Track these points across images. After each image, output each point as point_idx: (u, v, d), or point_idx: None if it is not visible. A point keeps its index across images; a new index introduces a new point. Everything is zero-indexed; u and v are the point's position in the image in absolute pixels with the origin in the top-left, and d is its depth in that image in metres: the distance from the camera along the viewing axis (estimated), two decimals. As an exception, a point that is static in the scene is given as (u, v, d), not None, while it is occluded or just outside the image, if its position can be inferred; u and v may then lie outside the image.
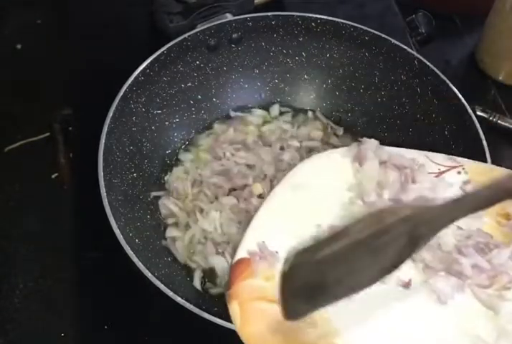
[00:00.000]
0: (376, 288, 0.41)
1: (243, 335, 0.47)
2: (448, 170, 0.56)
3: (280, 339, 0.46)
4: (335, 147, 0.72)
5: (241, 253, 0.52)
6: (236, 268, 0.51)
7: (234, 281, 0.50)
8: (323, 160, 0.60)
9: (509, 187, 0.38)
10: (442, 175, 0.56)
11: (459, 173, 0.56)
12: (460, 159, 0.58)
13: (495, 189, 0.39)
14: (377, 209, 0.41)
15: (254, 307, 0.48)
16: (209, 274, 0.63)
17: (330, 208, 0.55)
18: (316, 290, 0.40)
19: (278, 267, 0.50)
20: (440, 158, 0.58)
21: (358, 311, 0.47)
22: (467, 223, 0.51)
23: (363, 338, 0.46)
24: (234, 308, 0.48)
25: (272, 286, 0.48)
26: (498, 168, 0.57)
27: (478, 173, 0.55)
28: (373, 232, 0.39)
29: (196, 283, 0.62)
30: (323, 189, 0.57)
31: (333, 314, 0.47)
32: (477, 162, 0.57)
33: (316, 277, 0.40)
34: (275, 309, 0.43)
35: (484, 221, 0.52)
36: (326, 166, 0.59)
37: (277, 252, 0.52)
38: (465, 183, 0.55)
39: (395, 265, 0.39)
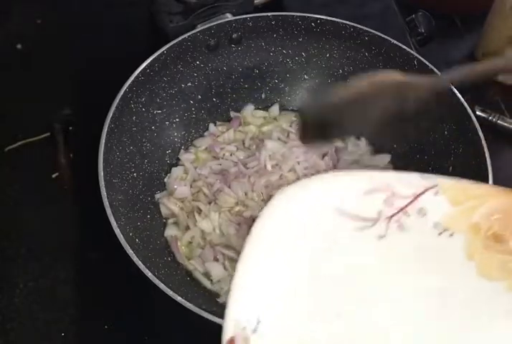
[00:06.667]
0: None
1: None
2: (423, 192, 0.49)
3: None
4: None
5: (229, 330, 0.43)
6: None
7: None
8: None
9: (482, 70, 0.47)
10: (417, 199, 0.49)
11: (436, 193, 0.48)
12: (435, 177, 0.49)
13: (471, 70, 0.48)
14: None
15: None
16: (207, 276, 0.63)
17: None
18: (330, 125, 0.50)
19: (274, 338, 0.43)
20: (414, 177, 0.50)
21: None
22: None
23: None
24: None
25: None
26: (475, 184, 0.49)
27: (455, 190, 0.48)
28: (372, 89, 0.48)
29: (206, 283, 0.63)
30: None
31: None
32: (453, 179, 0.49)
33: (331, 117, 0.49)
34: None
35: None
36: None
37: (259, 322, 0.43)
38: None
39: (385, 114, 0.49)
